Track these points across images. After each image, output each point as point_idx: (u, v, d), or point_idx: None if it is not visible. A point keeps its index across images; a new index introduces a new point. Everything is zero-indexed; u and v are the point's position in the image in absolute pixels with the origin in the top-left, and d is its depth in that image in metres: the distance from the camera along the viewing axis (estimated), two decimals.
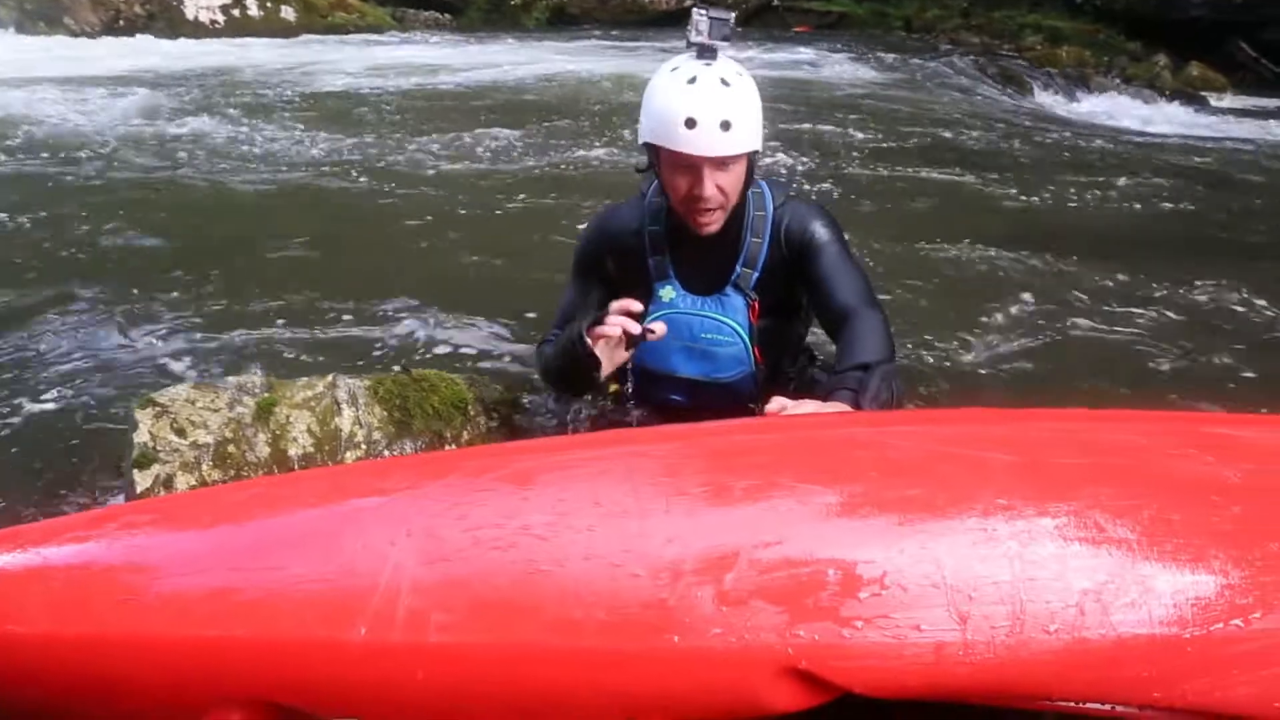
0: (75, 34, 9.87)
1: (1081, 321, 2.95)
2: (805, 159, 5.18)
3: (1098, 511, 1.06)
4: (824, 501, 1.05)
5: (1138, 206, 4.58)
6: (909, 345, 2.61)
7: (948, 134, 6.33)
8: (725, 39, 1.72)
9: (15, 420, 2.23)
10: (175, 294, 3.04)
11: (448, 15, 12.20)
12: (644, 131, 1.76)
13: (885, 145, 5.80)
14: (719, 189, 1.75)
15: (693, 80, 1.69)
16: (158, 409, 1.79)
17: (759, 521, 1.02)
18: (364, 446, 1.84)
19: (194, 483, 1.69)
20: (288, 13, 10.92)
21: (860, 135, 6.06)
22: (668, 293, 1.92)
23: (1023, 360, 2.63)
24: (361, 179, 4.59)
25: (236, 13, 10.64)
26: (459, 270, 3.28)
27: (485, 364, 2.49)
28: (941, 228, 4.01)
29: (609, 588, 0.98)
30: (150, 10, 10.38)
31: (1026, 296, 3.15)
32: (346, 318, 2.82)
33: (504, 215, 4.08)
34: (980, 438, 1.18)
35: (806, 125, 6.24)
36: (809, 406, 1.46)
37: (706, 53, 1.72)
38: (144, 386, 2.27)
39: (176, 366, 2.50)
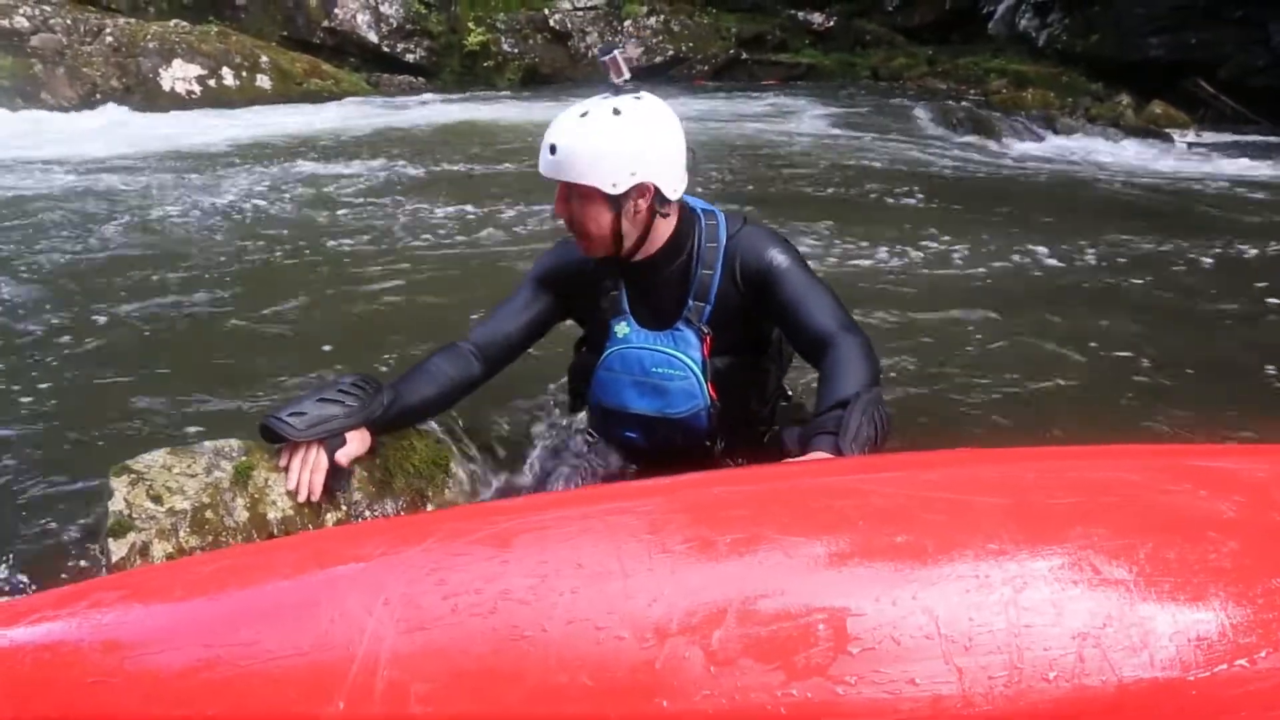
0: (52, 109, 9.91)
1: (1062, 358, 2.95)
2: (770, 209, 5.22)
3: (1092, 552, 1.04)
4: (811, 554, 1.02)
5: (1108, 243, 4.62)
6: (889, 387, 2.60)
7: (917, 179, 6.40)
8: (617, 72, 1.79)
9: None
10: (149, 358, 3.00)
11: (421, 78, 12.34)
12: None
13: (854, 193, 5.86)
14: (571, 216, 1.79)
15: (570, 108, 1.78)
16: (133, 475, 1.74)
17: (745, 577, 1.00)
18: (344, 508, 1.79)
19: (171, 550, 1.64)
20: (264, 81, 10.99)
21: (828, 183, 6.12)
22: (622, 328, 1.91)
23: (1007, 398, 2.62)
24: (339, 242, 4.58)
25: (213, 83, 10.70)
26: (437, 330, 3.26)
27: (465, 421, 2.45)
28: (913, 271, 4.04)
29: (594, 652, 0.95)
30: (127, 83, 10.44)
31: (1005, 335, 3.15)
32: (324, 377, 2.79)
33: (487, 269, 4.07)
34: (967, 481, 1.16)
35: (773, 175, 6.29)
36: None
37: (612, 89, 1.79)
38: (119, 452, 2.22)
39: (152, 431, 2.45)
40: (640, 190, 1.76)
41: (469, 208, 5.21)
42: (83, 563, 1.83)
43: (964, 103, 10.07)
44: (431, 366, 1.89)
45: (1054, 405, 2.60)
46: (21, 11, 10.43)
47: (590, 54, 12.03)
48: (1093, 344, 3.10)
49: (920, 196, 5.78)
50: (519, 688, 0.94)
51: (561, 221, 1.85)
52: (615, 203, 1.76)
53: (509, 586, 0.98)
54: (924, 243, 4.45)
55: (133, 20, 11.22)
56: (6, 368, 2.92)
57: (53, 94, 10.18)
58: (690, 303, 1.87)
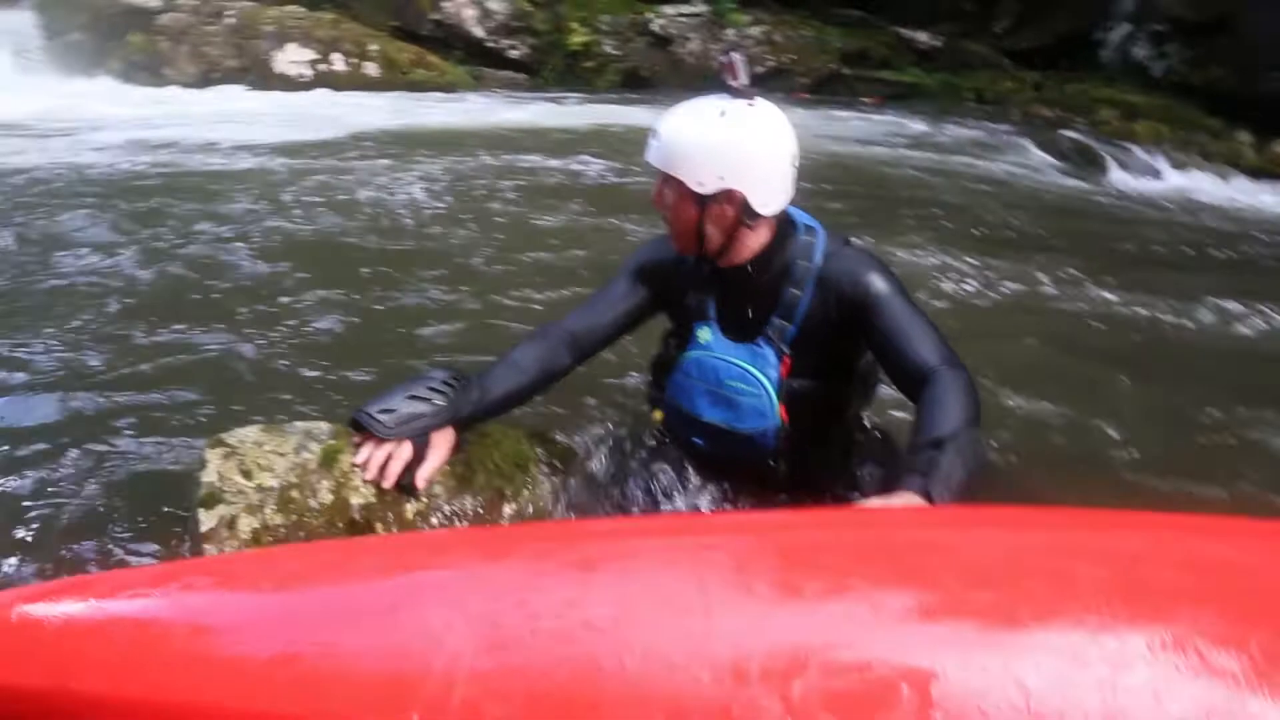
0: (174, 84, 10.35)
1: (1170, 414, 2.80)
2: (857, 228, 5.10)
3: (1199, 637, 0.99)
4: (900, 609, 1.00)
5: (1222, 294, 4.37)
6: (989, 427, 2.52)
7: (1019, 210, 6.21)
8: (733, 75, 1.76)
9: (96, 446, 2.28)
10: (254, 332, 3.10)
11: (523, 75, 12.50)
12: None
13: (950, 219, 5.70)
14: (662, 205, 1.81)
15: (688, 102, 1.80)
16: (226, 449, 1.79)
17: (830, 627, 0.97)
18: (425, 500, 1.81)
19: (257, 526, 1.68)
20: (371, 69, 11.28)
21: (923, 208, 5.98)
22: (704, 334, 1.90)
23: (1111, 450, 2.50)
24: (460, 230, 4.63)
25: (323, 68, 11.04)
26: (537, 321, 3.26)
27: (551, 414, 2.44)
28: (1011, 307, 3.92)
29: (670, 689, 0.94)
30: (243, 64, 10.84)
31: (1111, 385, 3.01)
32: (419, 366, 2.82)
33: (589, 268, 4.07)
34: (1068, 545, 1.11)
35: (865, 200, 6.18)
36: (874, 502, 1.41)
37: (731, 92, 1.76)
38: (216, 424, 2.30)
39: (248, 406, 2.52)
40: (728, 196, 1.74)
41: (596, 210, 5.19)
42: (175, 529, 1.89)
43: (1070, 132, 9.75)
44: (520, 357, 1.91)
45: (1163, 464, 2.46)
46: None
47: (690, 60, 12.04)
48: (1207, 405, 2.91)
49: (1019, 228, 5.62)
50: (593, 718, 0.94)
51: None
52: (701, 202, 1.75)
53: (590, 615, 0.98)
54: (1022, 278, 4.31)
55: (253, 4, 11.63)
56: (127, 333, 3.06)
57: (175, 70, 10.63)
58: (774, 320, 1.84)
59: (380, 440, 1.74)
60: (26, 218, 4.49)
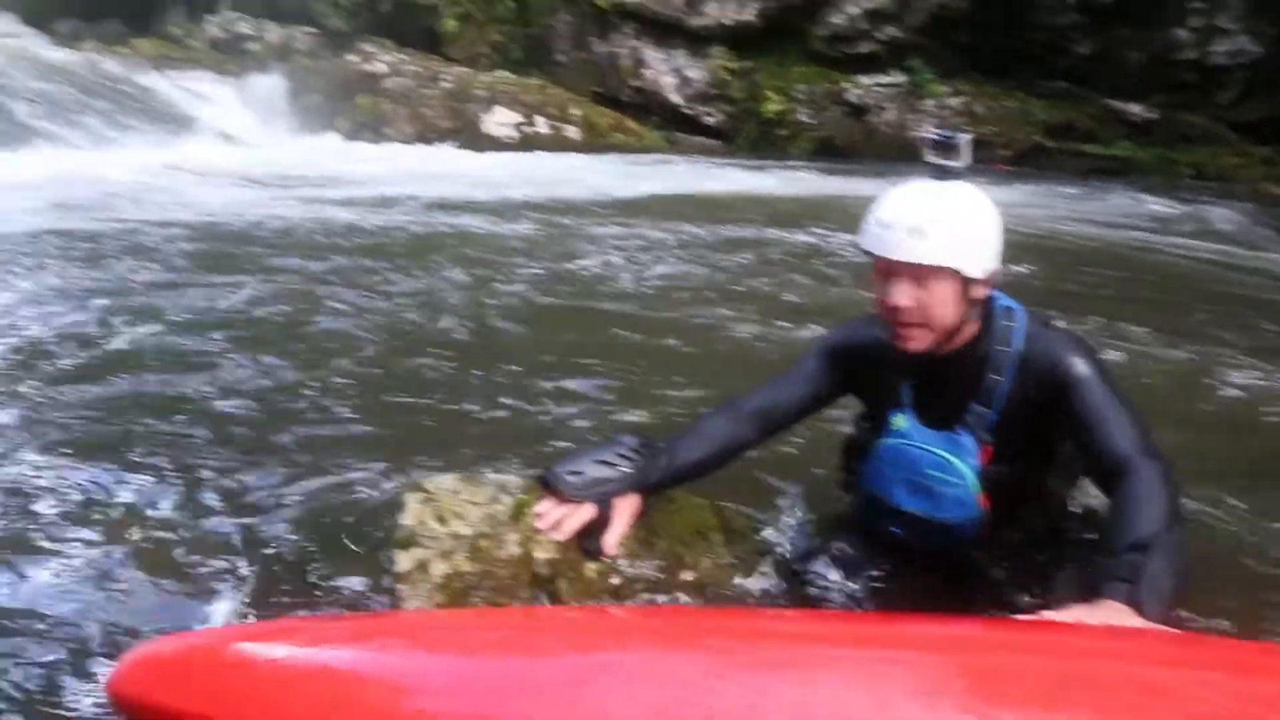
0: (393, 142, 11.27)
1: None
2: (1059, 312, 4.80)
3: None
4: None
5: None
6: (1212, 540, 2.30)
7: (1244, 306, 5.69)
8: (951, 158, 1.69)
9: (306, 479, 2.44)
10: (458, 383, 3.25)
11: (717, 141, 12.74)
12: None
13: (1160, 307, 5.28)
14: (917, 303, 1.66)
15: (906, 187, 1.69)
16: (425, 495, 1.88)
17: None
18: (605, 560, 1.85)
19: (448, 571, 1.76)
20: (572, 132, 11.86)
21: (1130, 291, 5.58)
22: (899, 421, 1.83)
23: None
24: (678, 298, 4.68)
25: (528, 130, 11.72)
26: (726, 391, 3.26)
27: (737, 486, 2.40)
28: (1250, 410, 3.56)
29: None
30: (455, 125, 11.69)
31: None
32: (618, 429, 2.86)
33: (784, 338, 4.03)
34: None
35: (1069, 274, 5.82)
36: (1076, 612, 1.31)
37: (937, 171, 1.69)
38: (417, 468, 2.42)
39: (448, 454, 2.60)
40: (990, 280, 1.70)
41: (824, 285, 5.15)
42: (373, 567, 1.99)
43: None
44: (706, 427, 1.92)
45: None
46: (380, 58, 12.01)
47: (886, 130, 11.92)
48: None
49: (1244, 322, 5.14)
50: None
51: (880, 307, 1.74)
52: (967, 290, 1.68)
53: None
54: (1238, 372, 3.94)
55: (468, 70, 12.53)
56: (345, 377, 3.27)
57: (394, 130, 11.59)
58: (974, 407, 1.77)
59: (564, 499, 1.80)
60: (266, 264, 4.95)
